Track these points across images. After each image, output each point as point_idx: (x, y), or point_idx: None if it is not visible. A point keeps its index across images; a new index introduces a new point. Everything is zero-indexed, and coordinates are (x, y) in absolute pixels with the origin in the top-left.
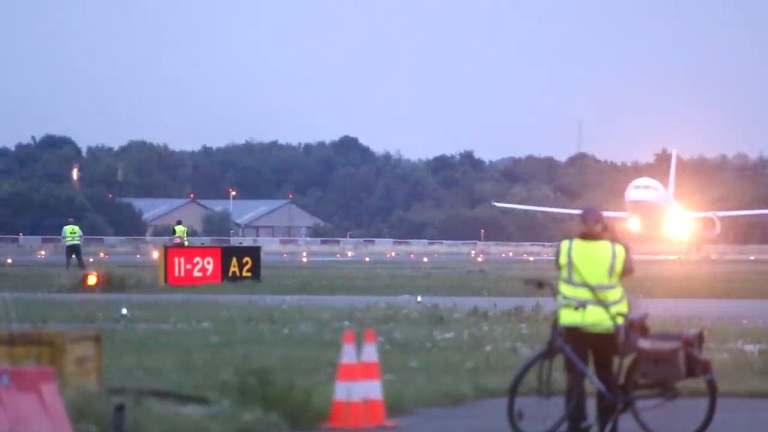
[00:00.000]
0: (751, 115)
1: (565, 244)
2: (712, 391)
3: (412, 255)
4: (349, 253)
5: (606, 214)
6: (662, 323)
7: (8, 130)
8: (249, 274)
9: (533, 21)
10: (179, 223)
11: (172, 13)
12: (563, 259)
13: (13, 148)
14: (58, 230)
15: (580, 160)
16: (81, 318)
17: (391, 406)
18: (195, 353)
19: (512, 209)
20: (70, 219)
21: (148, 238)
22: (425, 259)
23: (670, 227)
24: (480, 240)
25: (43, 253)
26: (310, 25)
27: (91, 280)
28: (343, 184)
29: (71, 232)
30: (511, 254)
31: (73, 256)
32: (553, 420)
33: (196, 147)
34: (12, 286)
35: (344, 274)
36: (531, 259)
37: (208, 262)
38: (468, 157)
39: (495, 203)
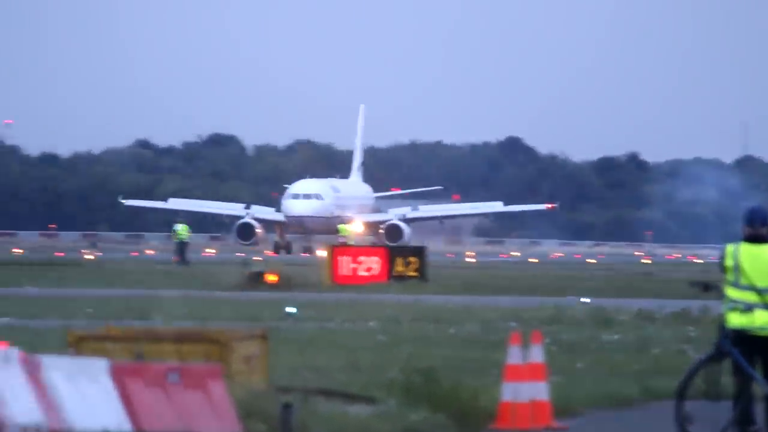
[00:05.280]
0: None
1: (730, 248)
2: None
3: (577, 256)
4: (515, 254)
5: (263, 216)
6: None
7: (176, 129)
8: (415, 274)
9: (696, 23)
10: (344, 222)
11: (341, 16)
12: (729, 262)
13: (180, 146)
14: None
15: (746, 162)
16: (248, 316)
17: (558, 407)
18: (361, 352)
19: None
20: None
21: (313, 236)
22: (591, 261)
23: (342, 238)
24: (646, 242)
25: (211, 251)
26: (474, 24)
27: (259, 278)
28: (508, 184)
29: (182, 230)
30: (678, 256)
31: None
32: (721, 424)
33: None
34: (180, 283)
35: (510, 275)
36: (699, 261)
37: (374, 262)
38: (633, 158)
39: (122, 199)
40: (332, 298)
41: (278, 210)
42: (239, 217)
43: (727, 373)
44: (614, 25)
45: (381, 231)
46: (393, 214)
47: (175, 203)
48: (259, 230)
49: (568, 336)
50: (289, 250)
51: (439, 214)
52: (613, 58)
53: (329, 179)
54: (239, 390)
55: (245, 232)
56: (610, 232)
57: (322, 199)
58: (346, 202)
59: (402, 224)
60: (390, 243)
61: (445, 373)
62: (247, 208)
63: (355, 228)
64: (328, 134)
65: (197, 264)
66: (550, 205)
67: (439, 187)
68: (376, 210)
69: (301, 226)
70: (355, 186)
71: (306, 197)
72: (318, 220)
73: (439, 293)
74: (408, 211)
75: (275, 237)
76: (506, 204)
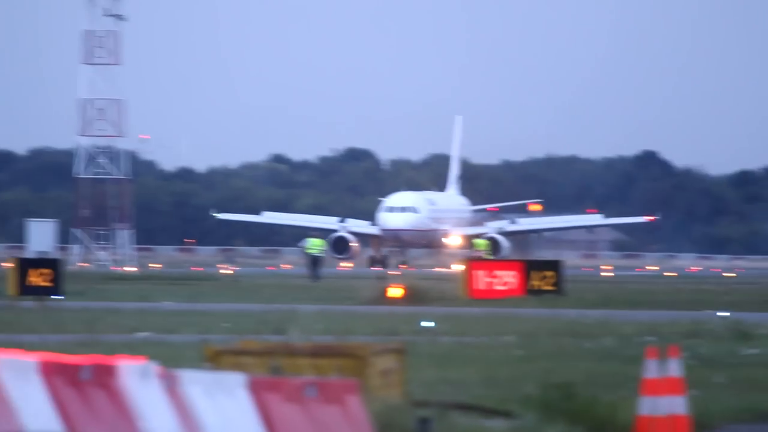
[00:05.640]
0: None
1: None
2: None
3: (715, 270)
4: (652, 268)
5: (358, 230)
6: None
7: (311, 143)
8: (551, 288)
9: None
10: (479, 236)
11: (475, 32)
12: None
13: (315, 161)
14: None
15: None
16: (384, 331)
17: (697, 422)
18: (498, 367)
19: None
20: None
21: (448, 250)
22: (729, 274)
23: (438, 251)
24: None
25: (347, 265)
26: (611, 40)
27: (395, 292)
28: (643, 198)
29: (315, 245)
30: None
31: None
32: None
33: (496, 160)
34: (316, 298)
35: (646, 289)
36: None
37: (511, 276)
38: None
39: (214, 213)
40: (468, 313)
41: (373, 223)
42: (334, 231)
43: None
44: (752, 39)
45: None
46: (491, 228)
47: (269, 217)
48: (353, 244)
49: (706, 350)
50: (385, 264)
51: (538, 227)
52: (750, 71)
53: (425, 192)
54: (376, 404)
55: (340, 245)
56: (748, 246)
57: (418, 212)
58: (442, 215)
59: (500, 237)
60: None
61: (582, 387)
62: (342, 221)
63: (452, 241)
64: (463, 148)
65: (333, 278)
66: (650, 218)
67: (539, 200)
68: (476, 223)
69: (397, 239)
70: (451, 199)
71: (401, 210)
72: (413, 233)
73: (575, 307)
74: (506, 225)
75: (371, 251)
76: (604, 216)
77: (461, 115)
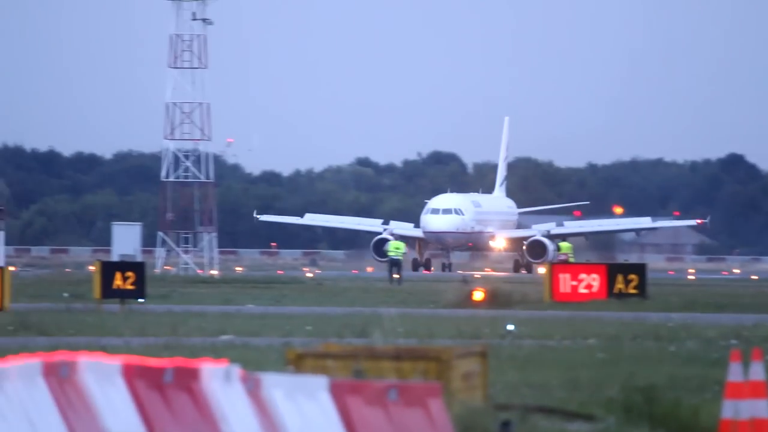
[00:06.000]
0: None
1: None
2: None
3: None
4: (736, 271)
5: (401, 232)
6: None
7: (396, 147)
8: (635, 291)
9: None
10: (564, 239)
11: (561, 38)
12: None
13: (400, 164)
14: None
15: None
16: (467, 334)
17: None
18: (580, 370)
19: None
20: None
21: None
22: None
23: (481, 253)
24: None
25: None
26: (697, 43)
27: (478, 296)
28: (729, 201)
29: (395, 248)
30: None
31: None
32: None
33: (582, 163)
34: (399, 301)
35: (731, 292)
36: None
37: (594, 279)
38: None
39: (258, 215)
40: (552, 316)
41: (417, 226)
42: (377, 234)
43: None
44: None
45: (525, 247)
46: (536, 230)
47: (310, 219)
48: None
49: None
50: (428, 267)
51: (585, 230)
52: None
53: (471, 194)
54: (458, 407)
55: (381, 248)
56: None
57: (462, 214)
58: (487, 217)
59: (546, 240)
60: (532, 260)
61: (665, 390)
62: (386, 223)
63: (497, 244)
64: (548, 151)
65: (415, 281)
66: (699, 221)
67: (586, 203)
68: (521, 225)
69: (440, 242)
70: (497, 201)
71: (445, 212)
72: (457, 235)
73: (659, 311)
74: (552, 227)
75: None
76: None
77: (508, 116)
